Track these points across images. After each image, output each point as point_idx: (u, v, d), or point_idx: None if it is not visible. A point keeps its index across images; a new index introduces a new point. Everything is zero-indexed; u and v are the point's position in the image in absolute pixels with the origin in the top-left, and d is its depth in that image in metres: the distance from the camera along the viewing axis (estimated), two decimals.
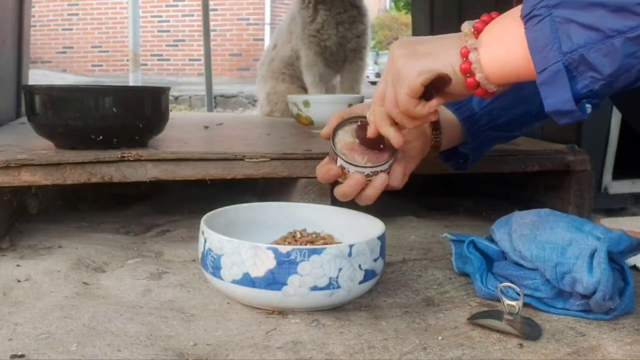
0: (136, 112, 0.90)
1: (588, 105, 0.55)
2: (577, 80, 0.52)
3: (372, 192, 0.72)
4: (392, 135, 0.68)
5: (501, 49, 0.58)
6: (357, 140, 0.75)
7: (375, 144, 0.74)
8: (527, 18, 0.54)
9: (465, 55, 0.60)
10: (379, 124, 0.69)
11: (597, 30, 0.50)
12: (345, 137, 0.75)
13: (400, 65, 0.63)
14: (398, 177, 0.74)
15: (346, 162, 0.72)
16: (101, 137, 0.88)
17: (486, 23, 0.60)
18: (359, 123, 0.76)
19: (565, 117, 0.55)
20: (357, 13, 1.80)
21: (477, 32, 0.60)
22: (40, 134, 0.91)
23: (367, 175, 0.72)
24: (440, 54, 0.61)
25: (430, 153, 0.82)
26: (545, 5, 0.52)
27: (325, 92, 1.79)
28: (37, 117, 0.89)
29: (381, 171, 0.72)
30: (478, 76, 0.59)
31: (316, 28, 1.76)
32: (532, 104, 0.82)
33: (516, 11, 0.57)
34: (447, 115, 0.83)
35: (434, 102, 0.63)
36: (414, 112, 0.64)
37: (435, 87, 0.62)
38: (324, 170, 0.75)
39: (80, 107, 0.86)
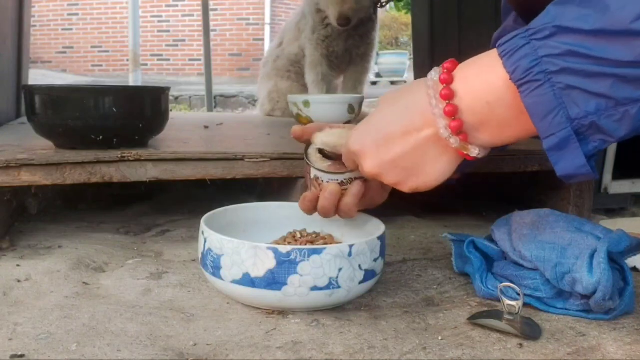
0: (136, 112, 0.90)
1: (593, 163, 0.53)
2: (586, 143, 0.50)
3: (350, 199, 0.69)
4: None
5: (498, 130, 0.54)
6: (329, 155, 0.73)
7: None
8: (520, 82, 0.50)
9: (464, 155, 0.57)
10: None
11: (608, 97, 0.47)
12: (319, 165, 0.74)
13: (404, 189, 0.63)
14: (377, 186, 0.71)
15: (319, 170, 0.71)
16: (101, 137, 0.88)
17: (450, 98, 0.55)
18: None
19: (577, 179, 0.53)
20: (371, 27, 1.80)
21: (452, 115, 0.55)
22: (40, 134, 0.91)
23: (342, 184, 0.70)
24: (434, 168, 0.59)
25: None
26: (543, 71, 0.48)
27: (327, 92, 1.79)
28: (37, 117, 0.89)
29: (356, 178, 0.70)
30: (480, 155, 0.57)
31: (326, 34, 1.76)
32: None
33: (488, 67, 0.53)
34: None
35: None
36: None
37: None
38: (300, 200, 0.73)
39: (80, 107, 0.86)
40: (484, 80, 0.53)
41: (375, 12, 1.79)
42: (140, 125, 0.91)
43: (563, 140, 0.50)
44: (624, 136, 0.49)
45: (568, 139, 0.50)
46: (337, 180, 0.70)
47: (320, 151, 0.73)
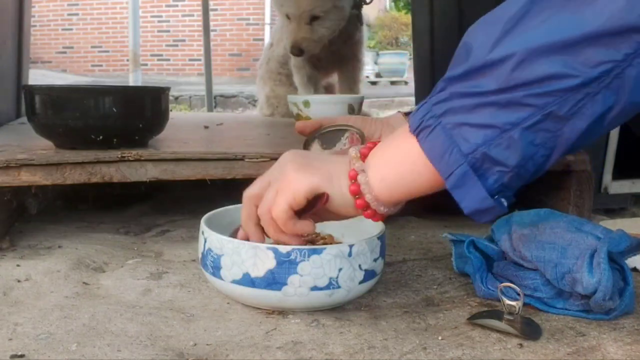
0: (136, 112, 0.90)
1: (503, 200, 0.54)
2: (486, 177, 0.52)
3: None
4: (253, 234, 0.65)
5: (389, 167, 0.57)
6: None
7: None
8: (417, 131, 0.54)
9: (353, 178, 0.58)
10: (244, 221, 0.66)
11: (492, 127, 0.50)
12: (317, 149, 0.76)
13: (293, 176, 0.60)
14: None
15: None
16: (101, 137, 0.88)
17: (371, 149, 0.60)
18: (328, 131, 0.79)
19: (487, 215, 0.54)
20: (353, 27, 1.76)
21: (364, 157, 0.59)
22: (40, 134, 0.91)
23: None
24: (333, 176, 0.60)
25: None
26: (432, 116, 0.52)
27: (315, 93, 1.77)
28: (37, 117, 0.89)
29: None
30: (367, 197, 0.58)
31: None
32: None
33: (399, 134, 0.58)
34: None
35: (306, 223, 0.62)
36: (284, 224, 0.61)
37: (312, 205, 0.60)
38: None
39: (80, 107, 0.86)
40: (394, 143, 0.58)
41: (359, 10, 1.76)
42: (140, 125, 0.91)
43: (461, 176, 0.52)
44: (519, 165, 0.50)
45: (466, 175, 0.52)
46: None
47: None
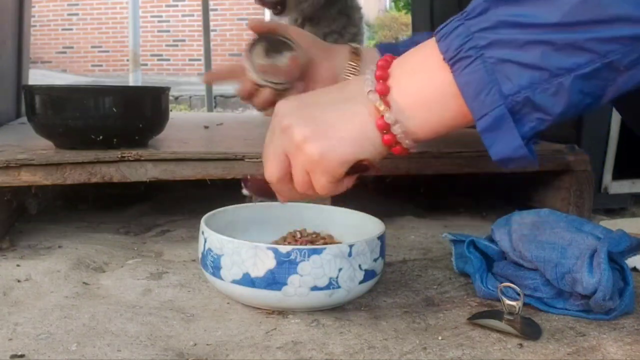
0: (136, 112, 0.90)
1: (533, 142, 0.50)
2: (523, 123, 0.47)
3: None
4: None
5: (420, 104, 0.51)
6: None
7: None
8: (453, 61, 0.47)
9: (384, 128, 0.52)
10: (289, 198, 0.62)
11: (541, 69, 0.44)
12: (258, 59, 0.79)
13: (314, 151, 0.53)
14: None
15: (255, 71, 0.77)
16: (101, 137, 0.88)
17: (384, 78, 0.52)
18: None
19: (515, 163, 0.49)
20: (346, 21, 1.76)
21: (382, 92, 0.52)
22: (40, 134, 0.91)
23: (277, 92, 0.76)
24: (358, 134, 0.53)
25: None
26: (473, 47, 0.46)
27: None
28: (37, 117, 0.89)
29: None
30: (405, 144, 0.53)
31: None
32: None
33: (426, 56, 0.51)
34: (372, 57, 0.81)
35: (348, 181, 0.57)
36: (334, 192, 0.57)
37: (354, 169, 0.57)
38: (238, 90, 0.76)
39: (80, 107, 0.86)
40: (419, 64, 0.51)
41: (352, 3, 1.77)
42: (141, 125, 0.91)
43: (497, 119, 0.46)
44: (562, 113, 0.46)
45: (502, 118, 0.46)
46: (271, 85, 0.75)
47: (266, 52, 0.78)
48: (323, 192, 0.57)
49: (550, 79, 0.44)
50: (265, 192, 0.63)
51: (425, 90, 0.51)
